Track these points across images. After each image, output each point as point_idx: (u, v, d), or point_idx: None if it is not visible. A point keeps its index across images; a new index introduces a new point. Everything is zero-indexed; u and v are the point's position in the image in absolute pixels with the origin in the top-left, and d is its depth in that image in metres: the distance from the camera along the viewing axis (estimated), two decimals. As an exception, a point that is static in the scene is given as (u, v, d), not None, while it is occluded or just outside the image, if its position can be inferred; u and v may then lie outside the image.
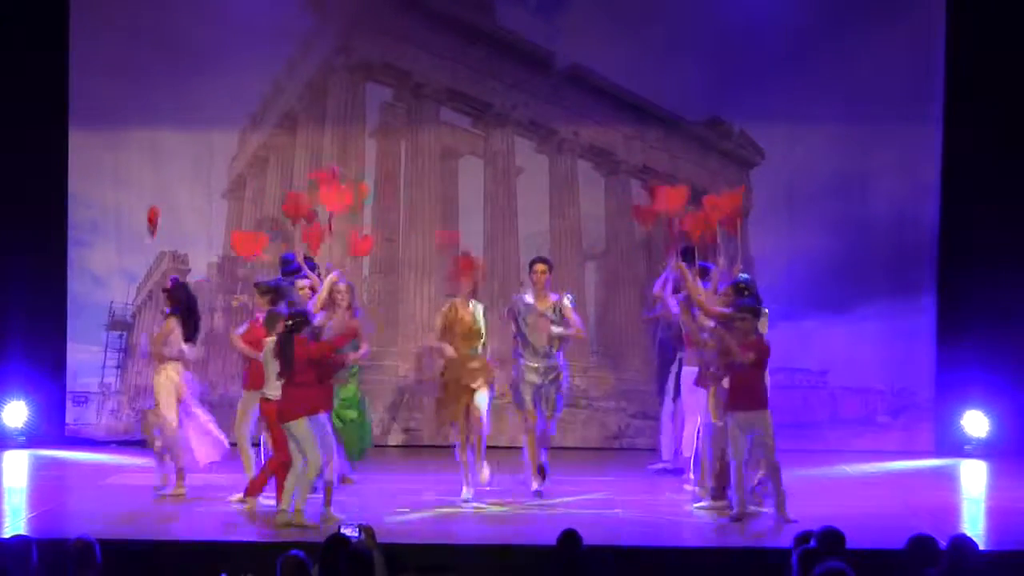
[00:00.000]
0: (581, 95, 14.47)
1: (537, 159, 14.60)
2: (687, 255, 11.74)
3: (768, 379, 10.78)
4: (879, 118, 14.05)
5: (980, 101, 13.70)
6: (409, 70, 14.48)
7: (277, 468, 10.60)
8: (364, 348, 11.74)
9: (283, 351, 10.18)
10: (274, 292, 11.25)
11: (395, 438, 14.29)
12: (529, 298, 11.58)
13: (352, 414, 11.63)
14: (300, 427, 10.14)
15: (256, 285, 11.67)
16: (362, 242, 12.40)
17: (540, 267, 11.65)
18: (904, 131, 14.10)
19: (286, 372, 10.16)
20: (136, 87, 14.17)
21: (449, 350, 11.26)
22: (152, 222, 11.74)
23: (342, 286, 11.64)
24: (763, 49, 14.02)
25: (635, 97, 14.39)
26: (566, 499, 11.16)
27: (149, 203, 14.10)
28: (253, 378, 11.03)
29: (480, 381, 11.19)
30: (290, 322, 10.26)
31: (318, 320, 11.05)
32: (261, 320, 11.09)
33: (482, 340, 11.37)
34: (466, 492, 11.12)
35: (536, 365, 11.41)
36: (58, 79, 14.11)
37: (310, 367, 10.15)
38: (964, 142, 13.81)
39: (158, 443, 11.22)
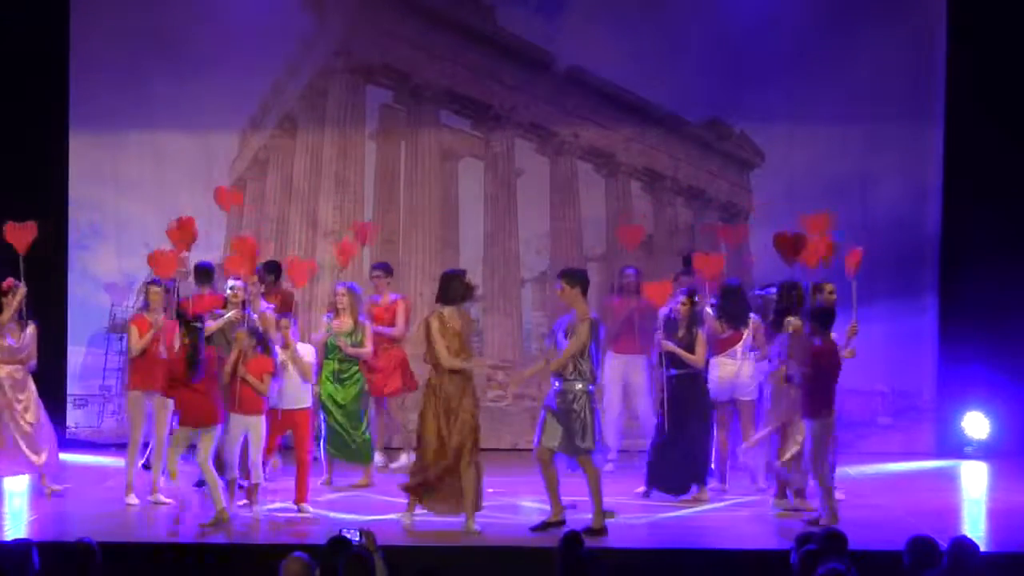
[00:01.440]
0: (581, 97, 14.47)
1: (537, 161, 14.60)
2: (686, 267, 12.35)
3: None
4: (880, 119, 14.06)
5: (981, 101, 13.71)
6: (409, 72, 14.48)
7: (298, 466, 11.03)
8: (368, 347, 11.92)
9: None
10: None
11: (396, 439, 14.26)
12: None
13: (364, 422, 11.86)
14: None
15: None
16: (349, 246, 12.73)
17: (560, 282, 10.46)
18: (905, 132, 14.12)
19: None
20: (136, 89, 14.18)
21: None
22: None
23: (341, 289, 11.90)
24: (763, 50, 14.04)
25: (635, 98, 14.40)
26: (567, 499, 11.12)
27: (150, 205, 14.19)
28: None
29: (469, 419, 10.34)
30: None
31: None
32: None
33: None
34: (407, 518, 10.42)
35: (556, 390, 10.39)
36: (58, 81, 14.12)
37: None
38: (965, 142, 13.82)
39: None
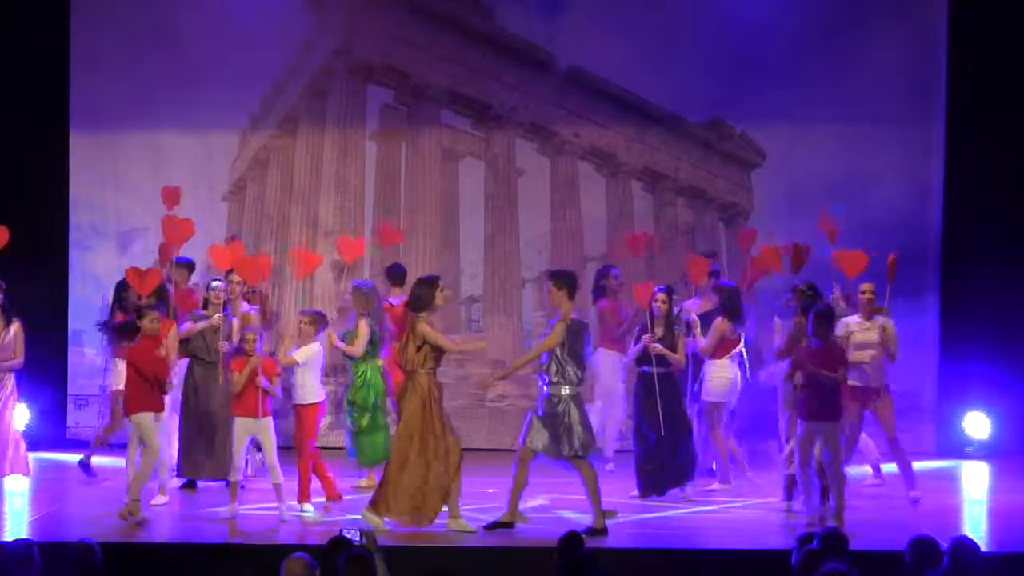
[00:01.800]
0: (582, 96, 14.47)
1: (538, 160, 14.60)
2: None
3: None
4: (881, 119, 14.06)
5: (982, 102, 13.70)
6: (409, 72, 14.48)
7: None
8: (356, 346, 11.87)
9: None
10: None
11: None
12: None
13: (363, 422, 11.74)
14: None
15: None
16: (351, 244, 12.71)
17: (550, 283, 10.53)
18: (906, 132, 14.12)
19: None
20: (137, 89, 14.19)
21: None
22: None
23: (351, 289, 11.93)
24: (764, 50, 14.04)
25: (636, 98, 14.39)
26: (566, 497, 11.13)
27: (150, 206, 14.18)
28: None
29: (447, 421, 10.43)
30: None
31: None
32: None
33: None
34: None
35: None
36: (59, 81, 14.12)
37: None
38: (966, 142, 13.81)
39: None
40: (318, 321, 11.22)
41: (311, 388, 11.10)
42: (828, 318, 10.58)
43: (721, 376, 11.81)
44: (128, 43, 14.20)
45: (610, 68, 14.33)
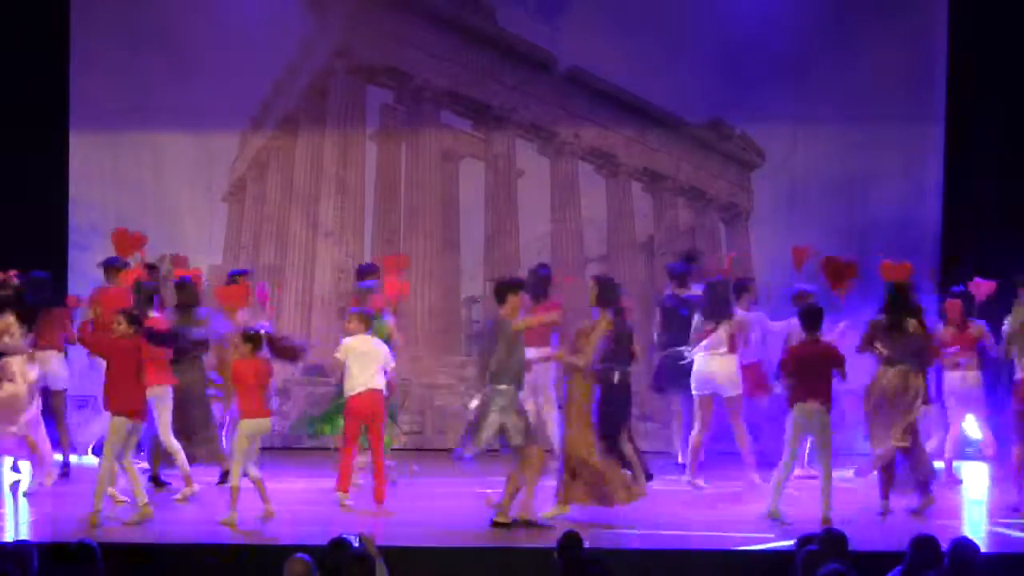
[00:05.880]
0: (582, 97, 14.48)
1: (538, 161, 14.60)
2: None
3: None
4: (881, 119, 14.07)
5: (982, 101, 13.70)
6: (410, 72, 14.49)
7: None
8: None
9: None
10: None
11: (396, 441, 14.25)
12: None
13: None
14: None
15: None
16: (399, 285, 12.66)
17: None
18: (906, 132, 14.13)
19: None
20: (136, 89, 14.20)
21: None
22: None
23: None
24: (764, 51, 14.04)
25: (636, 99, 14.40)
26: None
27: (150, 206, 14.18)
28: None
29: None
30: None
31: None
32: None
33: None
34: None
35: None
36: (58, 81, 14.13)
37: None
38: (966, 142, 13.82)
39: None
40: (363, 318, 11.24)
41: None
42: (815, 316, 10.68)
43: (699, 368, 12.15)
44: (128, 43, 14.22)
45: (610, 68, 14.33)
